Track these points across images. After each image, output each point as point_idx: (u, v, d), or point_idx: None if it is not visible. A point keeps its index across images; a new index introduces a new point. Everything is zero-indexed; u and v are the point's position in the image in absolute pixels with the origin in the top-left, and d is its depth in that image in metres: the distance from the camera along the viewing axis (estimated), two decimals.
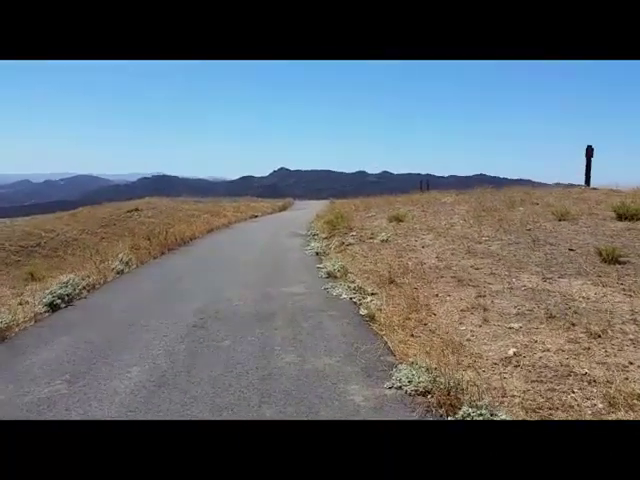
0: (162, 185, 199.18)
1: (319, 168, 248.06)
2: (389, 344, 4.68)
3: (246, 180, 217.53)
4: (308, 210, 22.91)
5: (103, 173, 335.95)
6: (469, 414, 3.19)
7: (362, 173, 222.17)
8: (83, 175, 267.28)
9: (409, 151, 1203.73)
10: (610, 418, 3.25)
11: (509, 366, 4.00)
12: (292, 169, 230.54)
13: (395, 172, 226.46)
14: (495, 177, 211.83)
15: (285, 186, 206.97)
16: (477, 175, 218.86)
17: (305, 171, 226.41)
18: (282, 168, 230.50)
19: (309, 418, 3.38)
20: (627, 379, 3.67)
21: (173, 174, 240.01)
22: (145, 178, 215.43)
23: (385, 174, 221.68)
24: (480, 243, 8.30)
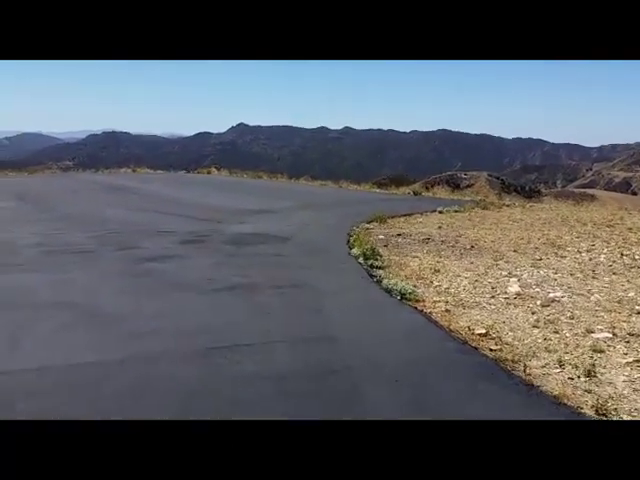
0: (112, 142, 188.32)
1: (279, 124, 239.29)
2: None
3: (203, 137, 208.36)
4: None
5: (51, 131, 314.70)
6: None
7: (323, 129, 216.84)
8: (30, 133, 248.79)
9: (371, 105, 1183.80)
10: None
11: None
12: (251, 125, 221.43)
13: (357, 127, 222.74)
14: (458, 132, 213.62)
15: (244, 143, 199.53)
16: (440, 130, 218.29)
17: (265, 127, 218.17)
18: (241, 124, 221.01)
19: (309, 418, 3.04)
20: None
21: (124, 130, 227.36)
22: (94, 135, 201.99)
23: (347, 129, 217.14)
24: None
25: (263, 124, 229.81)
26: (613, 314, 4.98)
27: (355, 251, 7.79)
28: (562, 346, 4.24)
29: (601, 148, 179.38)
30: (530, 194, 54.71)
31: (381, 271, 6.68)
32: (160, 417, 3.05)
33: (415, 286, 5.95)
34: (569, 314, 5.00)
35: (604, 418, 3.21)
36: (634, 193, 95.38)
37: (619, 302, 5.35)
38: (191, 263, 7.18)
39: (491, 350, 4.12)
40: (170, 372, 3.70)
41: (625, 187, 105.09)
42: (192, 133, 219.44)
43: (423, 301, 5.44)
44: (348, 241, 8.79)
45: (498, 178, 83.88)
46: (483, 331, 4.52)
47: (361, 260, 7.25)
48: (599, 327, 4.64)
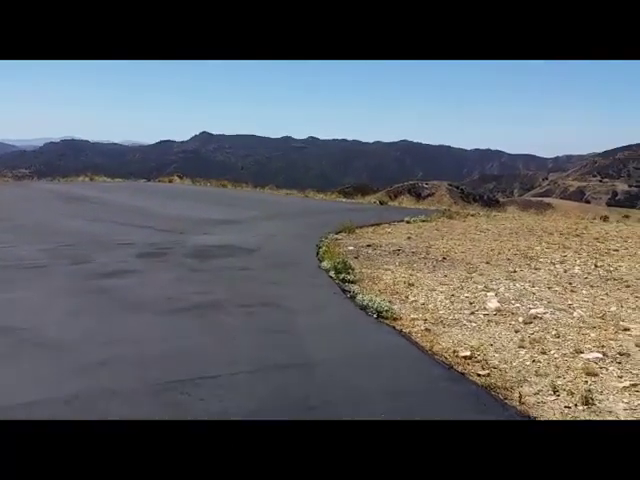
0: (71, 150, 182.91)
1: (243, 133, 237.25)
2: None
3: (165, 145, 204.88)
4: None
5: (6, 138, 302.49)
6: None
7: (288, 138, 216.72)
8: None
9: (335, 116, 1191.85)
10: None
11: None
12: (215, 133, 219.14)
13: (321, 137, 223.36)
14: (418, 143, 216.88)
15: (207, 152, 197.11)
16: (401, 141, 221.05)
17: (228, 136, 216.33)
18: (204, 132, 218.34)
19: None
20: None
21: (84, 138, 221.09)
22: (52, 143, 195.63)
23: (311, 139, 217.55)
24: None
25: (227, 133, 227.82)
26: (599, 331, 4.72)
27: (325, 264, 7.40)
28: (553, 369, 3.93)
29: (557, 159, 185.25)
30: (489, 203, 55.73)
31: (354, 286, 6.31)
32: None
33: (391, 302, 5.60)
34: (554, 332, 4.71)
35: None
36: (587, 201, 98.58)
37: (602, 318, 5.11)
38: (150, 279, 6.64)
39: (479, 375, 3.77)
40: (122, 413, 3.19)
41: (579, 196, 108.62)
42: (153, 141, 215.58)
43: (401, 319, 5.08)
44: (317, 253, 8.42)
45: (458, 187, 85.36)
46: (468, 353, 4.17)
47: (332, 274, 6.85)
48: (587, 346, 4.36)
